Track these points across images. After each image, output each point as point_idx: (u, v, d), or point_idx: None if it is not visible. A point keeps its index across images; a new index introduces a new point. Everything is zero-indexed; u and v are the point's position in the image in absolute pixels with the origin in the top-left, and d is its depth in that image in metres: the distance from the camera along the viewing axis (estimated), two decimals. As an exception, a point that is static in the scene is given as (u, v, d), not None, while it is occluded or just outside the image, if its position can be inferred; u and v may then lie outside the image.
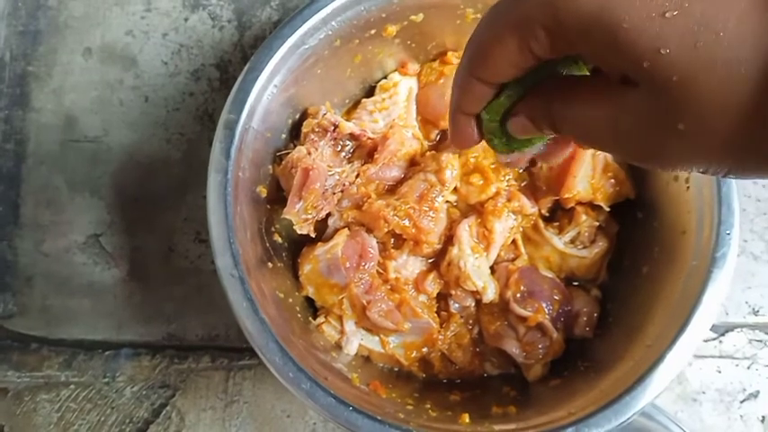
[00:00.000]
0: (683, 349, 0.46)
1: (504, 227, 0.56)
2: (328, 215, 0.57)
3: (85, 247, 0.66)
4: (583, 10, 0.25)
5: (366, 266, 0.55)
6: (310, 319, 0.57)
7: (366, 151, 0.58)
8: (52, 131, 0.68)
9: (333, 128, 0.56)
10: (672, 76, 0.24)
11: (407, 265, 0.57)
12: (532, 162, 0.50)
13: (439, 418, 0.50)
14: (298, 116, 0.58)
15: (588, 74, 0.31)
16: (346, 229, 0.56)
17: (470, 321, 0.58)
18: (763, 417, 0.61)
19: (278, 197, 0.56)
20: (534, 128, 0.32)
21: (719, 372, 0.62)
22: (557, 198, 0.57)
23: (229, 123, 0.50)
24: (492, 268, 0.57)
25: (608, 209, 0.57)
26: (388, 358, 0.57)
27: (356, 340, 0.56)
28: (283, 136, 0.57)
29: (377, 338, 0.56)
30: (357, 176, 0.57)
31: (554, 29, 0.26)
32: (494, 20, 0.30)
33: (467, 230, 0.56)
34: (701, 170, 0.27)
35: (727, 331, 0.63)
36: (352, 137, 0.57)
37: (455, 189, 0.57)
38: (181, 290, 0.65)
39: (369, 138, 0.57)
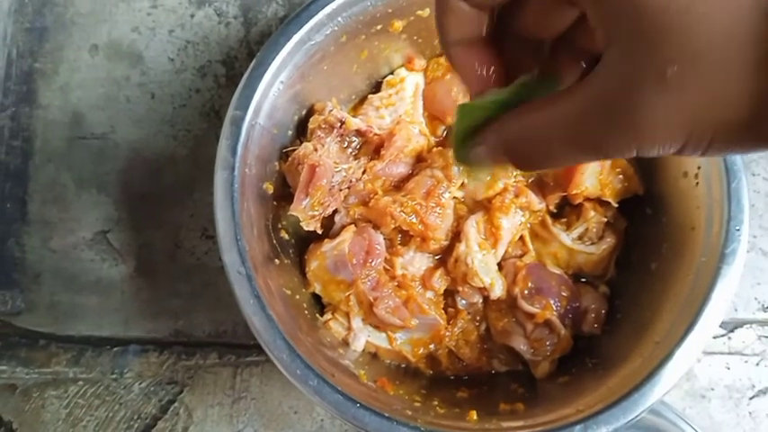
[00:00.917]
0: (692, 346, 0.46)
1: (512, 223, 0.56)
2: (335, 212, 0.57)
3: (93, 243, 0.66)
4: None
5: (373, 263, 0.55)
6: (317, 315, 0.57)
7: (373, 147, 0.58)
8: (59, 128, 0.68)
9: (339, 124, 0.56)
10: (666, 6, 0.21)
11: (414, 262, 0.57)
12: None
13: (447, 415, 0.49)
14: (304, 112, 0.58)
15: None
16: (353, 225, 0.56)
17: (478, 318, 0.58)
18: (773, 413, 0.61)
19: (284, 194, 0.56)
20: (492, 158, 0.30)
21: (728, 368, 0.62)
22: (564, 194, 0.57)
23: (236, 120, 0.50)
24: (499, 265, 0.57)
25: (616, 205, 0.57)
26: (395, 355, 0.57)
27: (363, 337, 0.56)
28: (290, 132, 0.57)
29: (384, 335, 0.56)
30: (364, 173, 0.57)
31: None
32: None
33: (474, 227, 0.56)
34: (677, 146, 0.23)
35: (736, 327, 0.63)
36: (359, 133, 0.57)
37: (462, 185, 0.57)
38: (188, 286, 0.65)
39: (375, 134, 0.57)
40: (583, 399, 0.48)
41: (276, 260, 0.53)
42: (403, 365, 0.58)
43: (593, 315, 0.55)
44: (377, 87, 0.63)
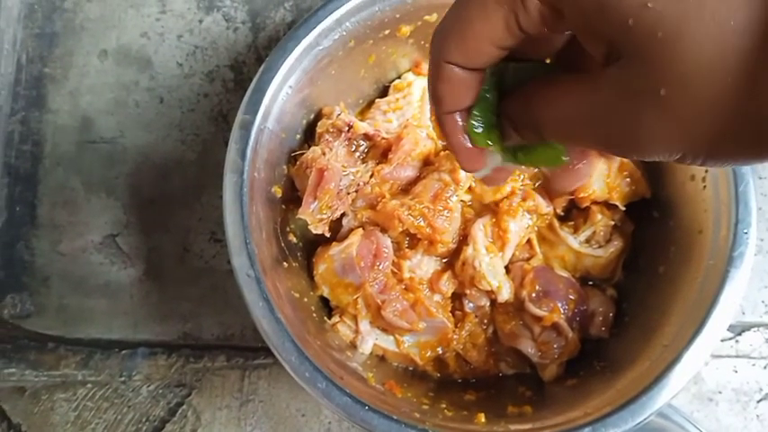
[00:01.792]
0: (700, 349, 0.46)
1: (519, 226, 0.56)
2: (343, 215, 0.57)
3: (102, 247, 0.67)
4: None
5: (381, 266, 0.55)
6: (325, 318, 0.57)
7: (380, 151, 0.58)
8: (69, 133, 0.69)
9: (347, 128, 0.56)
10: (657, 33, 0.22)
11: (422, 265, 0.57)
12: None
13: (455, 417, 0.50)
14: (312, 116, 0.58)
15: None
16: (361, 228, 0.57)
17: (485, 321, 0.58)
18: (781, 417, 0.61)
19: (293, 197, 0.56)
20: (517, 135, 0.31)
21: (736, 371, 0.62)
22: (572, 197, 0.57)
23: (245, 124, 0.51)
24: (507, 268, 0.57)
25: (623, 208, 0.57)
26: (402, 358, 0.57)
27: (371, 340, 0.56)
28: (298, 136, 0.57)
29: (392, 338, 0.57)
30: (371, 176, 0.57)
31: None
32: None
33: (481, 230, 0.56)
34: (676, 156, 0.25)
35: (743, 331, 0.63)
36: (367, 137, 0.57)
37: (469, 188, 0.57)
38: (196, 289, 0.65)
39: (383, 138, 0.57)
40: (591, 401, 0.48)
41: (285, 263, 0.54)
42: (411, 368, 0.58)
43: (600, 318, 0.56)
44: (384, 92, 0.63)
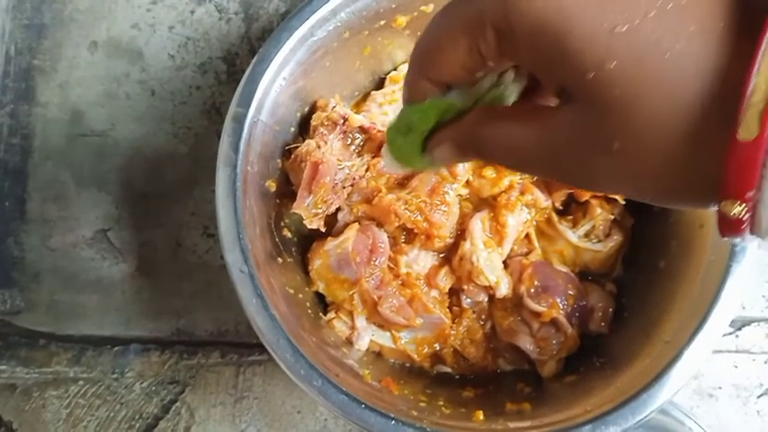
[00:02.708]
0: (701, 345, 0.45)
1: (518, 221, 0.55)
2: (338, 209, 0.56)
3: (93, 242, 0.66)
4: (535, 14, 0.24)
5: (377, 261, 0.54)
6: (321, 314, 0.56)
7: (376, 144, 0.57)
8: (58, 126, 0.68)
9: (342, 121, 0.55)
10: (614, 91, 0.23)
11: (419, 260, 0.56)
12: None
13: (452, 415, 0.49)
14: (307, 109, 0.57)
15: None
16: (356, 223, 0.56)
17: (483, 317, 0.57)
18: (781, 412, 0.60)
19: (287, 191, 0.55)
20: (460, 155, 0.32)
21: (736, 367, 0.61)
22: (571, 191, 0.56)
23: (238, 117, 0.49)
24: (505, 263, 0.56)
25: (623, 202, 0.56)
26: (399, 354, 0.56)
27: (367, 336, 0.55)
28: (292, 129, 0.56)
29: (388, 334, 0.56)
30: (367, 170, 0.56)
31: (504, 30, 0.26)
32: (447, 16, 0.29)
33: (479, 224, 0.55)
34: (626, 195, 0.28)
35: (743, 326, 0.62)
36: (362, 130, 0.56)
37: (467, 182, 0.56)
38: (189, 285, 0.64)
39: (378, 130, 0.56)
40: (591, 399, 0.47)
41: (279, 258, 0.53)
42: (407, 365, 0.57)
43: (600, 314, 0.55)
44: (380, 83, 0.62)
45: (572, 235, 0.56)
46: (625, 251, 0.57)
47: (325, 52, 0.54)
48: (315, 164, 0.53)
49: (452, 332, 0.56)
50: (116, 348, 0.64)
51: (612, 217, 0.56)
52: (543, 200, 0.55)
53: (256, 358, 0.63)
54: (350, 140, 0.56)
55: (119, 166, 0.66)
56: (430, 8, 0.55)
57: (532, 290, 0.54)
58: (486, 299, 0.56)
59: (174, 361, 0.63)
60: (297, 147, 0.55)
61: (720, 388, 0.61)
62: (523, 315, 0.54)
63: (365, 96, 0.62)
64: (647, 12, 0.23)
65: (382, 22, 0.55)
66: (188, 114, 0.67)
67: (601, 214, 0.56)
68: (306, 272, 0.56)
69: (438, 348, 0.56)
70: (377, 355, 0.57)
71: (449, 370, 0.57)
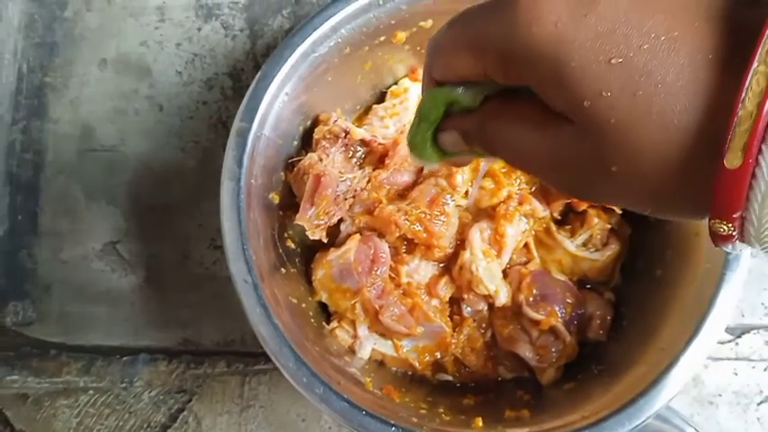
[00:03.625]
0: (697, 352, 0.46)
1: (516, 230, 0.56)
2: (340, 221, 0.57)
3: (103, 254, 0.67)
4: (536, 43, 0.26)
5: (378, 271, 0.55)
6: (324, 324, 0.57)
7: (377, 157, 0.58)
8: (69, 141, 0.69)
9: (344, 134, 0.57)
10: (610, 119, 0.25)
11: (419, 270, 0.57)
12: None
13: (452, 422, 0.50)
14: (309, 123, 0.58)
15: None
16: (358, 234, 0.57)
17: (483, 325, 0.58)
18: (782, 419, 0.61)
19: (290, 203, 0.57)
20: (464, 144, 0.33)
21: (736, 374, 0.62)
22: (568, 201, 0.57)
23: (241, 131, 0.51)
24: (504, 272, 0.57)
25: (620, 211, 0.57)
26: (401, 362, 0.57)
27: (369, 345, 0.56)
28: (295, 143, 0.58)
29: (390, 343, 0.57)
30: (368, 182, 0.57)
31: (506, 55, 0.27)
32: (455, 28, 0.30)
33: (478, 234, 0.56)
34: (627, 207, 0.29)
35: (743, 333, 0.63)
36: (363, 143, 0.58)
37: (466, 193, 0.57)
38: (196, 296, 0.65)
39: (379, 143, 0.58)
40: (589, 405, 0.48)
41: (282, 269, 0.54)
42: (409, 373, 0.58)
43: (598, 322, 0.56)
44: (381, 97, 0.63)
45: (570, 244, 0.57)
46: (623, 260, 0.58)
47: (327, 68, 0.55)
48: (317, 176, 0.54)
49: (453, 341, 0.56)
50: (125, 358, 0.65)
51: (610, 226, 0.57)
52: (541, 210, 0.56)
53: (262, 367, 0.64)
54: (351, 153, 0.58)
55: (128, 180, 0.68)
56: (429, 24, 0.57)
57: (531, 298, 0.55)
58: (486, 308, 0.57)
59: (182, 370, 0.65)
60: (299, 160, 0.56)
61: (720, 395, 0.61)
62: (523, 323, 0.55)
63: (367, 110, 0.63)
64: (640, 45, 0.24)
65: (382, 38, 0.57)
66: (195, 129, 0.69)
67: (598, 224, 0.56)
68: (309, 282, 0.57)
69: (439, 357, 0.57)
70: (379, 363, 0.58)
71: (450, 378, 0.58)
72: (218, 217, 0.49)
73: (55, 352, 0.67)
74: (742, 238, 0.24)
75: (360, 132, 0.57)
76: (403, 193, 0.57)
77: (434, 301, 0.57)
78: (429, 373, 0.58)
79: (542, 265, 0.58)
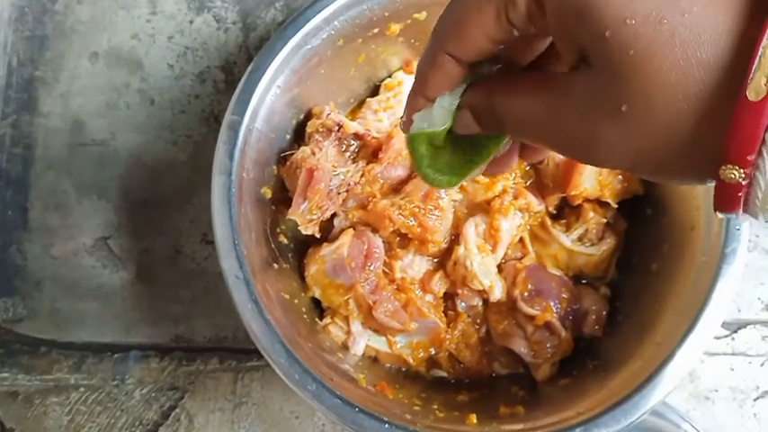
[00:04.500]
0: (693, 347, 0.46)
1: (511, 225, 0.56)
2: (334, 215, 0.57)
3: (94, 250, 0.66)
4: None
5: (372, 266, 0.55)
6: (317, 320, 0.56)
7: (371, 151, 0.58)
8: (60, 136, 0.69)
9: (337, 128, 0.56)
10: (629, 50, 0.24)
11: (413, 265, 0.57)
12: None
13: (446, 418, 0.49)
14: (302, 116, 0.58)
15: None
16: (351, 229, 0.56)
17: (478, 321, 0.57)
18: (778, 415, 0.60)
19: (283, 198, 0.56)
20: (477, 124, 0.32)
21: (732, 369, 0.61)
22: (564, 195, 0.57)
23: (233, 125, 0.50)
24: (499, 267, 0.57)
25: (616, 206, 0.57)
26: (395, 358, 0.57)
27: (363, 341, 0.56)
28: (288, 136, 0.57)
29: (384, 339, 0.56)
30: (362, 176, 0.56)
31: None
32: None
33: (473, 229, 0.56)
34: (626, 167, 0.27)
35: (739, 328, 0.62)
36: (357, 136, 0.57)
37: (461, 187, 0.57)
38: (188, 292, 0.65)
39: (373, 137, 0.57)
40: (584, 401, 0.48)
41: (275, 264, 0.53)
42: (403, 369, 0.57)
43: (593, 317, 0.55)
44: (375, 91, 0.63)
45: (565, 239, 0.56)
46: (618, 254, 0.58)
47: (320, 60, 0.55)
48: (310, 170, 0.54)
49: (447, 336, 0.56)
50: (116, 355, 0.65)
51: (605, 221, 0.57)
52: (536, 204, 0.56)
53: (254, 364, 0.63)
54: (345, 147, 0.57)
55: (119, 175, 0.67)
56: (423, 16, 0.56)
57: (526, 293, 0.54)
58: (481, 303, 0.57)
59: (173, 367, 0.64)
60: (292, 154, 0.56)
61: (717, 391, 0.61)
62: (518, 319, 0.55)
63: (360, 103, 0.62)
64: None
65: (376, 30, 0.56)
66: (187, 123, 0.68)
67: (593, 218, 0.56)
68: (302, 277, 0.57)
69: (433, 353, 0.57)
70: (373, 359, 0.57)
71: (444, 374, 0.57)
72: (210, 212, 0.49)
73: (45, 349, 0.66)
74: (747, 199, 0.23)
75: (353, 126, 0.56)
76: (397, 188, 0.57)
77: (428, 297, 0.56)
78: (423, 369, 0.57)
79: (537, 259, 0.57)
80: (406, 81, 0.61)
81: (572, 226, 0.57)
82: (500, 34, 0.29)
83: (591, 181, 0.55)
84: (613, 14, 0.24)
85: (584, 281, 0.58)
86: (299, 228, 0.54)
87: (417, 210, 0.54)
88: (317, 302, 0.57)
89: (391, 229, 0.55)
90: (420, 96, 0.33)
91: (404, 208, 0.55)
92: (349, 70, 0.59)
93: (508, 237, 0.56)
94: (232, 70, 0.69)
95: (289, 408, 0.63)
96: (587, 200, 0.56)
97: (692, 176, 0.26)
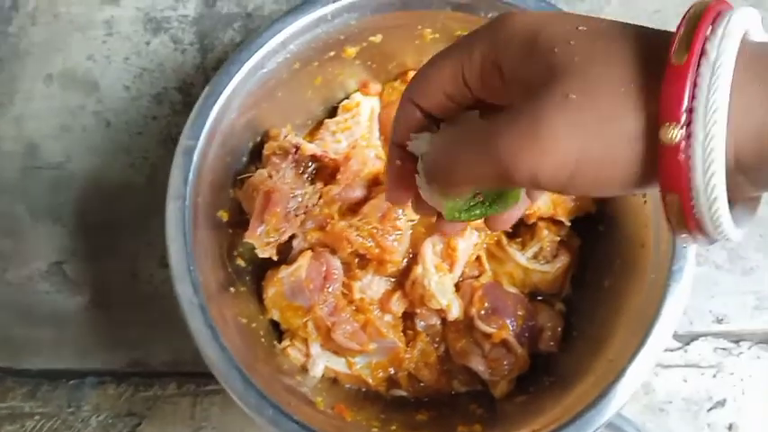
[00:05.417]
0: (643, 363, 0.46)
1: (468, 244, 0.56)
2: (292, 237, 0.57)
3: (48, 275, 0.65)
4: (518, 25, 0.29)
5: (330, 288, 0.55)
6: (275, 342, 0.56)
7: (328, 172, 0.58)
8: (14, 159, 0.68)
9: (294, 150, 0.56)
10: (574, 58, 0.27)
11: (372, 285, 0.57)
12: None
13: (405, 439, 0.49)
14: (259, 139, 0.58)
15: None
16: (310, 250, 0.56)
17: (437, 339, 0.58)
18: (731, 425, 0.62)
19: (240, 221, 0.56)
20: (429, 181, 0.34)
21: (686, 381, 0.63)
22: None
23: (188, 150, 0.50)
24: (457, 285, 0.57)
25: (569, 223, 0.58)
26: (354, 379, 0.57)
27: (322, 363, 0.55)
28: (244, 159, 0.57)
29: (343, 360, 0.56)
30: (320, 198, 0.57)
31: (487, 52, 0.30)
32: (443, 52, 0.32)
33: (431, 249, 0.56)
34: (567, 172, 0.27)
35: (692, 340, 0.64)
36: (314, 158, 0.57)
37: (418, 207, 0.57)
38: (145, 315, 0.64)
39: (331, 158, 0.57)
40: (540, 418, 0.48)
41: (231, 288, 0.53)
42: (363, 389, 0.57)
43: (549, 333, 0.56)
44: (333, 112, 0.63)
45: (521, 257, 0.57)
46: (573, 271, 0.59)
47: (277, 83, 0.55)
48: (267, 193, 0.54)
49: (407, 356, 0.56)
50: (71, 382, 0.64)
51: (559, 238, 0.58)
52: (492, 223, 0.56)
53: (213, 388, 0.63)
54: (302, 169, 0.57)
55: (75, 198, 0.66)
56: (378, 39, 0.57)
57: (483, 312, 0.55)
58: (440, 322, 0.57)
59: (131, 393, 0.63)
60: (249, 176, 0.56)
61: (671, 402, 0.62)
62: (475, 337, 0.55)
63: (318, 125, 0.63)
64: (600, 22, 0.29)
65: (332, 53, 0.56)
66: (144, 145, 0.67)
67: (548, 236, 0.57)
68: (260, 300, 0.56)
69: (393, 372, 0.57)
70: (333, 381, 0.57)
71: (404, 393, 0.57)
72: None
73: (0, 376, 0.64)
74: (690, 156, 0.24)
75: (310, 147, 0.57)
76: (355, 209, 0.57)
77: (387, 317, 0.57)
78: (383, 389, 0.57)
79: (494, 277, 0.58)
80: (364, 102, 0.61)
81: (527, 244, 0.58)
82: (454, 91, 0.32)
83: (544, 199, 0.56)
84: (560, 39, 0.28)
85: (539, 297, 0.59)
86: (255, 251, 0.54)
87: (375, 230, 0.55)
88: (275, 325, 0.57)
89: (349, 250, 0.55)
90: (393, 146, 0.35)
91: (362, 229, 0.55)
92: (306, 92, 0.59)
93: (465, 256, 0.56)
94: (189, 91, 0.68)
95: (249, 431, 0.62)
96: (541, 218, 0.57)
97: (632, 181, 0.27)
